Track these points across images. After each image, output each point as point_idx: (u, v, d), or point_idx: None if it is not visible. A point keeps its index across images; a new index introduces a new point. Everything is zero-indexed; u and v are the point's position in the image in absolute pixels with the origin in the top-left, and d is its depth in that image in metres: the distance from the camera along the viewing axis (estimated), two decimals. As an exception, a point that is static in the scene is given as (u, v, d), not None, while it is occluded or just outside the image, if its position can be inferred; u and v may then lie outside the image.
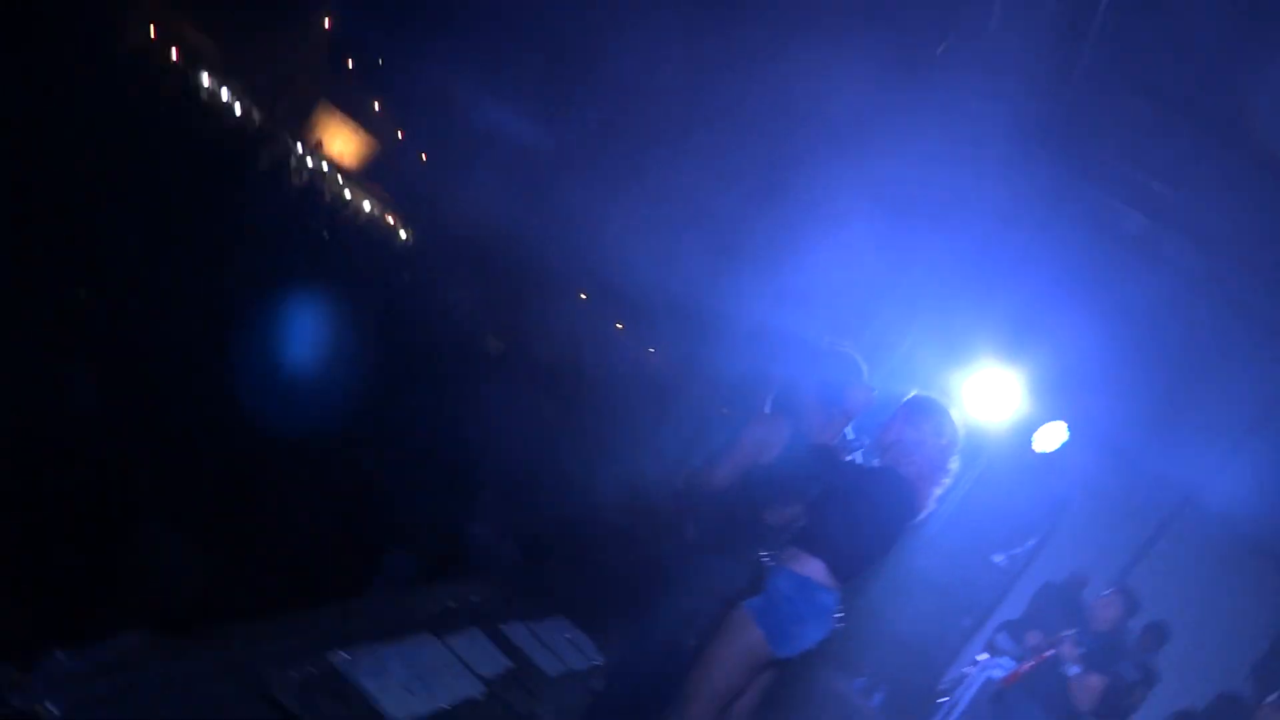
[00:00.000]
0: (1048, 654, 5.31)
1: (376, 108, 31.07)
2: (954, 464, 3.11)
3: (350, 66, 32.57)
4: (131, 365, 5.42)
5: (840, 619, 3.04)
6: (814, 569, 2.95)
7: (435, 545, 6.39)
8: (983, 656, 7.12)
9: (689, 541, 3.71)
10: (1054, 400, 7.42)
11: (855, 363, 3.60)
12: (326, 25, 26.73)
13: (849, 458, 3.41)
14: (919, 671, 7.46)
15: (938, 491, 3.09)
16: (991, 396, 7.01)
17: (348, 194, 25.54)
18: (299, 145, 24.29)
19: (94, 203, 6.12)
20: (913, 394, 3.14)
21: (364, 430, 7.98)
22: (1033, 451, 7.51)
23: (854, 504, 3.02)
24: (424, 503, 6.81)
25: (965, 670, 7.19)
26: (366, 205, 25.76)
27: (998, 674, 6.45)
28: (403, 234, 25.29)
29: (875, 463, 3.21)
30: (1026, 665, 5.45)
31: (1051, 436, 7.42)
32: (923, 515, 3.10)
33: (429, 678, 3.37)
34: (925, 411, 3.09)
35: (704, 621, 3.55)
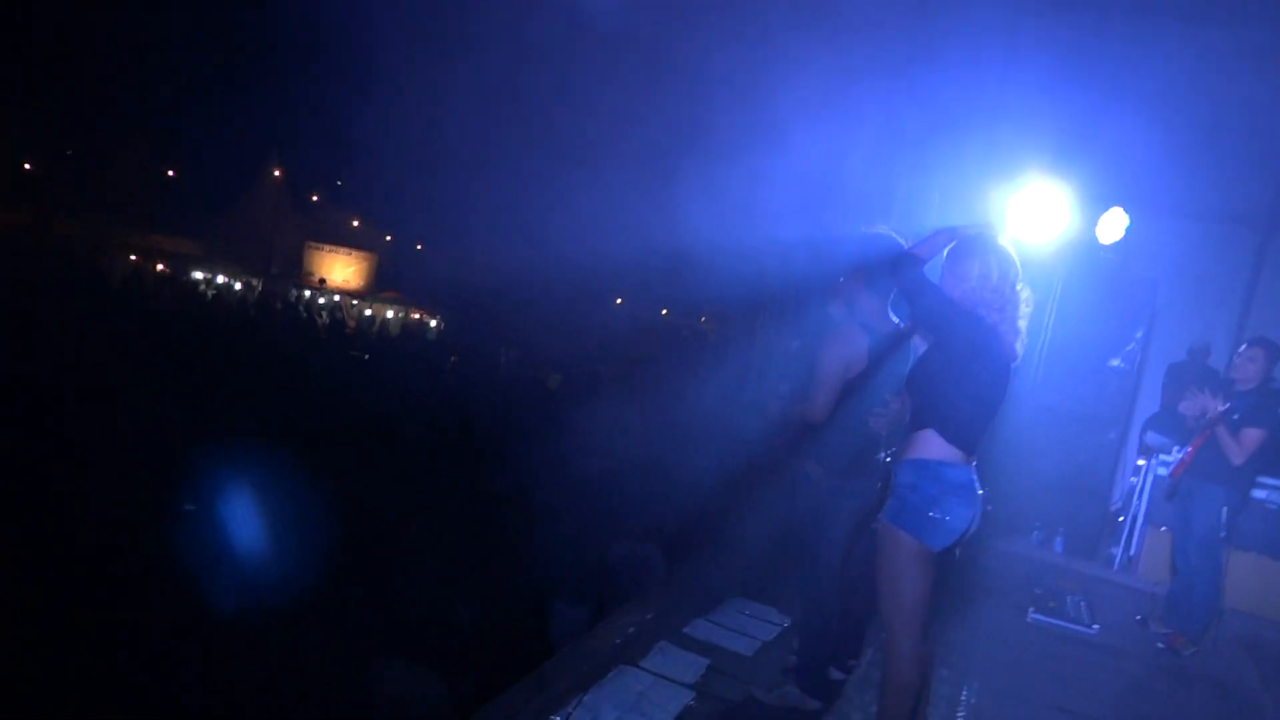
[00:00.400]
0: (1206, 427, 5.17)
1: (357, 224, 31.68)
2: (1024, 291, 3.02)
3: (316, 200, 33.28)
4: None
5: (985, 495, 2.99)
6: (928, 448, 2.92)
7: (590, 581, 6.51)
8: (1141, 461, 6.98)
9: (817, 478, 3.71)
10: (1106, 192, 7.29)
11: (890, 239, 3.59)
12: (278, 175, 27.27)
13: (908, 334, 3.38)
14: (1087, 503, 7.34)
15: (1022, 325, 3.01)
16: (1044, 210, 6.92)
17: (368, 312, 26.08)
18: (306, 292, 24.92)
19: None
20: (953, 243, 3.05)
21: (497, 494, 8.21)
22: (1104, 249, 7.37)
23: (943, 369, 2.94)
24: (565, 548, 6.94)
25: (1131, 481, 7.06)
26: (390, 314, 26.28)
27: (1163, 471, 6.32)
28: (433, 323, 25.74)
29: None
30: (1188, 451, 5.32)
31: (1114, 225, 7.27)
32: (1017, 353, 3.02)
33: (640, 705, 3.44)
34: (969, 253, 2.97)
35: (860, 546, 3.57)
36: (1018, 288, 2.98)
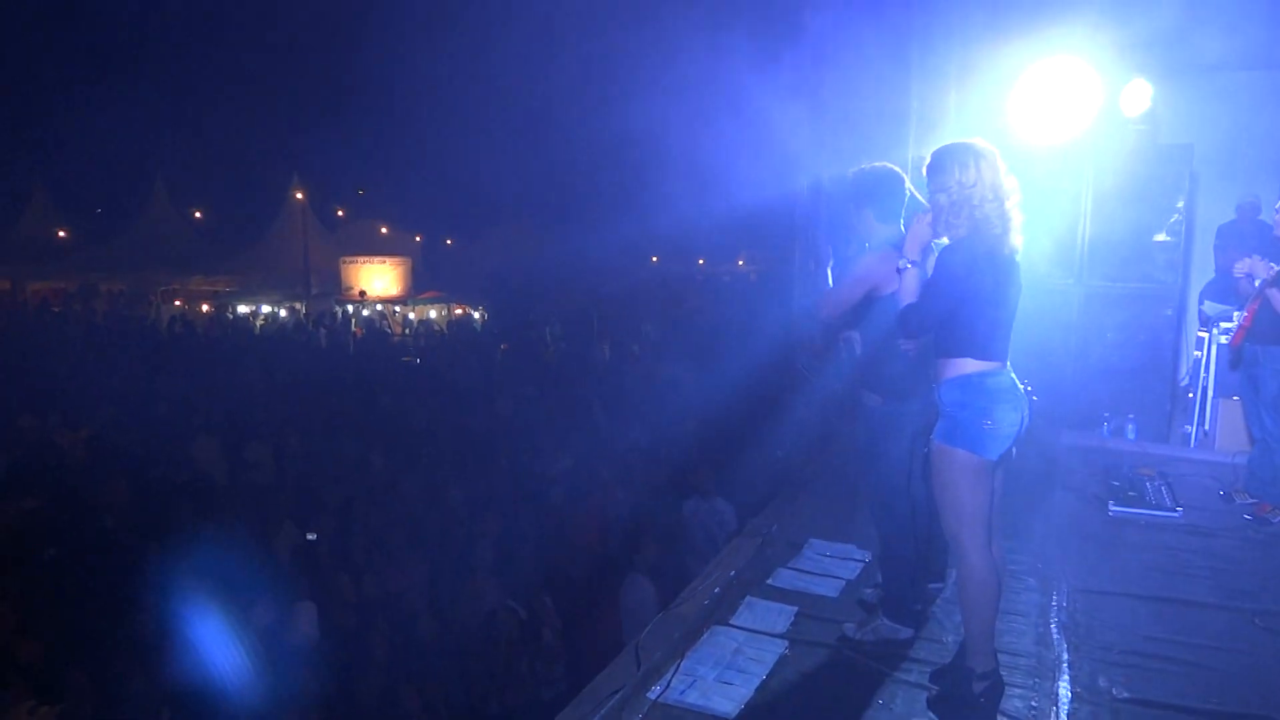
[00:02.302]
0: (1260, 291, 5.06)
1: (385, 231, 31.95)
2: (1010, 180, 2.96)
3: (341, 214, 33.61)
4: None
5: (1029, 390, 3.02)
6: (961, 364, 2.96)
7: (667, 546, 6.62)
8: (1202, 333, 6.86)
9: (874, 405, 3.74)
10: (1127, 60, 7.12)
11: (885, 174, 3.64)
12: (300, 197, 27.55)
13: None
14: (1154, 384, 7.24)
15: (1013, 219, 2.96)
16: (1065, 91, 6.80)
17: (411, 316, 26.39)
18: (349, 307, 25.26)
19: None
20: (925, 160, 3.05)
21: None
22: (1131, 123, 7.21)
23: (947, 288, 2.94)
24: (637, 515, 7.06)
25: (1195, 355, 6.94)
26: (433, 313, 26.57)
27: (1225, 340, 6.21)
28: (477, 315, 25.97)
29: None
30: (1245, 316, 5.21)
31: (1138, 96, 7.10)
32: (1017, 246, 3.00)
33: (736, 663, 3.51)
34: (944, 163, 2.95)
35: (925, 468, 3.60)
36: (1002, 177, 2.95)
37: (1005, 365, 2.99)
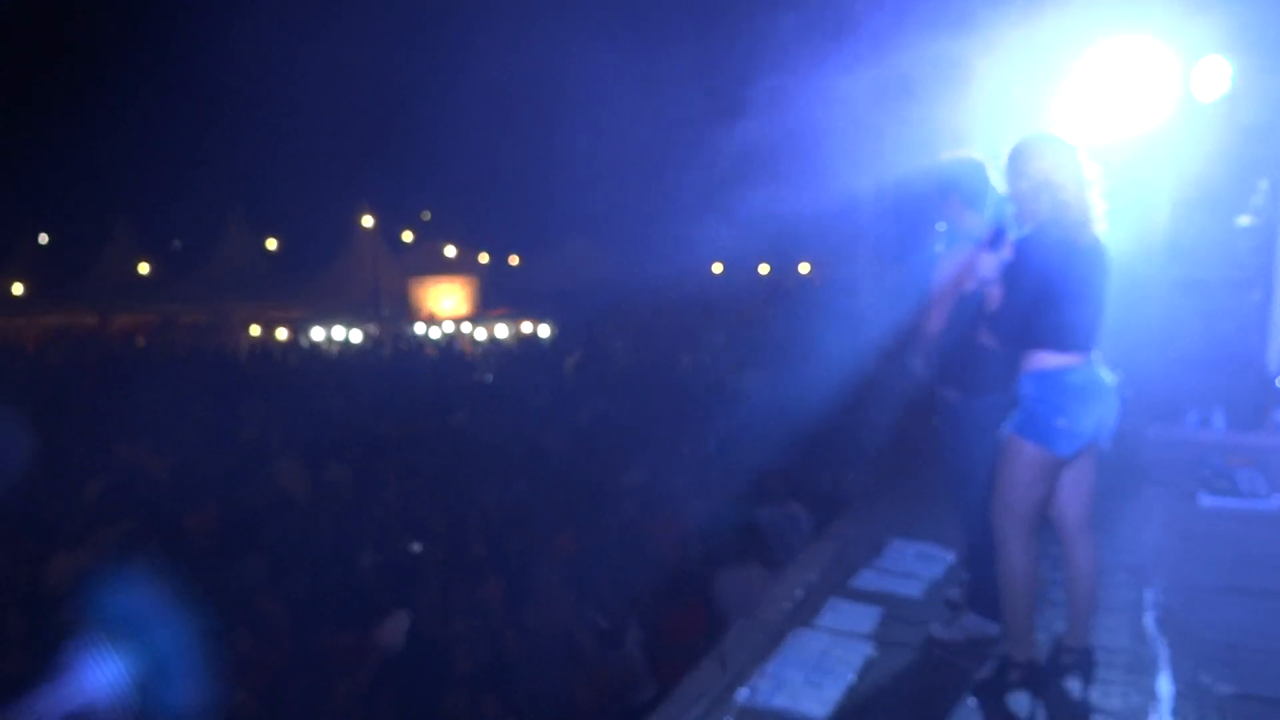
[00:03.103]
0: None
1: (452, 252, 32.50)
2: (1089, 171, 2.95)
3: (408, 238, 34.28)
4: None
5: (1120, 383, 2.95)
6: (1041, 358, 2.92)
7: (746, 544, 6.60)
8: (1293, 316, 6.62)
9: (956, 401, 3.70)
10: (1199, 42, 6.91)
11: (970, 163, 3.60)
12: (369, 224, 28.18)
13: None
14: (1242, 371, 7.01)
15: (1096, 209, 2.94)
16: (1137, 73, 6.61)
17: (481, 334, 26.76)
18: (420, 327, 25.74)
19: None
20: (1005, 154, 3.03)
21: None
22: (1210, 105, 7.00)
23: (1025, 280, 2.92)
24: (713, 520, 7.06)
25: (1285, 340, 6.71)
26: (501, 332, 26.91)
27: (1318, 321, 6.00)
28: (543, 333, 26.24)
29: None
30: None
31: (1215, 76, 6.88)
32: (1098, 238, 2.95)
33: (824, 665, 3.49)
34: (1025, 154, 2.96)
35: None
36: (1084, 167, 2.94)
37: (1089, 360, 2.94)
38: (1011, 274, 2.98)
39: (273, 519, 8.22)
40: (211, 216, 31.78)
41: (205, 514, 8.10)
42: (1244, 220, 7.06)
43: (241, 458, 10.62)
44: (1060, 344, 2.91)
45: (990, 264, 3.42)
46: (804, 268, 35.99)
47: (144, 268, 31.75)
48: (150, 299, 28.45)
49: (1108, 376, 2.97)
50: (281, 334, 26.81)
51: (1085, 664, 3.10)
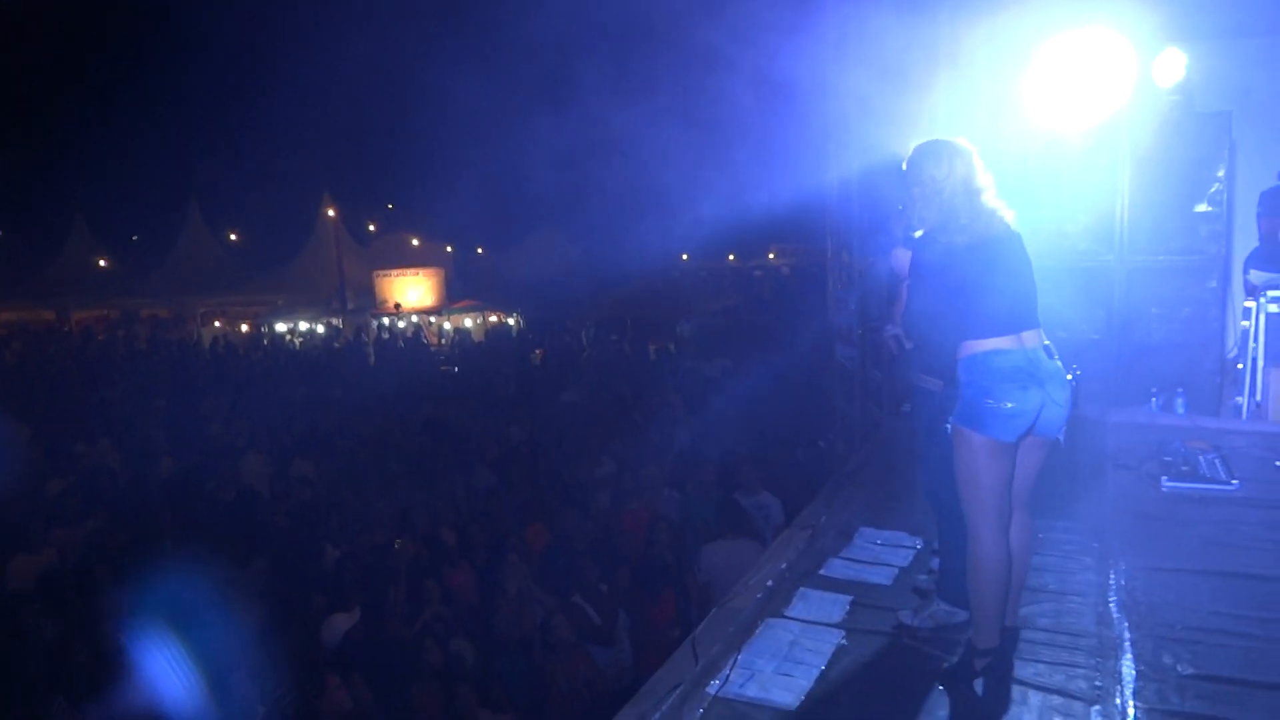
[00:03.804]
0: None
1: (417, 243, 32.24)
2: (982, 178, 3.03)
3: (373, 229, 33.97)
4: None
5: (1070, 367, 3.03)
6: (968, 345, 2.98)
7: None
8: (1249, 303, 6.74)
9: (934, 389, 3.72)
10: (1159, 29, 7.01)
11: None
12: (332, 214, 27.88)
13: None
14: (1201, 357, 7.13)
15: (985, 210, 3.01)
16: (1098, 62, 6.69)
17: (447, 325, 26.61)
18: (385, 320, 25.52)
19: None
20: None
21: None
22: (1166, 93, 7.10)
23: (924, 282, 3.08)
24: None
25: (1243, 325, 6.83)
26: (468, 322, 26.77)
27: (1274, 307, 6.11)
28: (512, 321, 26.14)
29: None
30: (1294, 281, 5.13)
31: (1172, 65, 6.98)
32: (1005, 230, 3.04)
33: (794, 654, 3.51)
34: (921, 160, 3.06)
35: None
36: (977, 174, 3.02)
37: (1019, 343, 2.96)
38: (913, 278, 3.13)
39: (238, 514, 8.15)
40: (171, 209, 31.31)
41: (171, 510, 8.02)
42: (1202, 208, 7.15)
43: (206, 454, 10.50)
44: (982, 331, 2.95)
45: (904, 261, 3.50)
46: (771, 256, 36.15)
47: (103, 263, 31.23)
48: (109, 293, 27.99)
49: (1048, 358, 3.00)
50: (244, 328, 26.51)
51: (1012, 643, 3.17)
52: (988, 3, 7.55)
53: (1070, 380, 3.06)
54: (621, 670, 5.86)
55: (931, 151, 3.05)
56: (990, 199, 3.03)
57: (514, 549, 7.00)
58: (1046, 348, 3.02)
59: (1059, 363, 3.04)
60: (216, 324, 26.47)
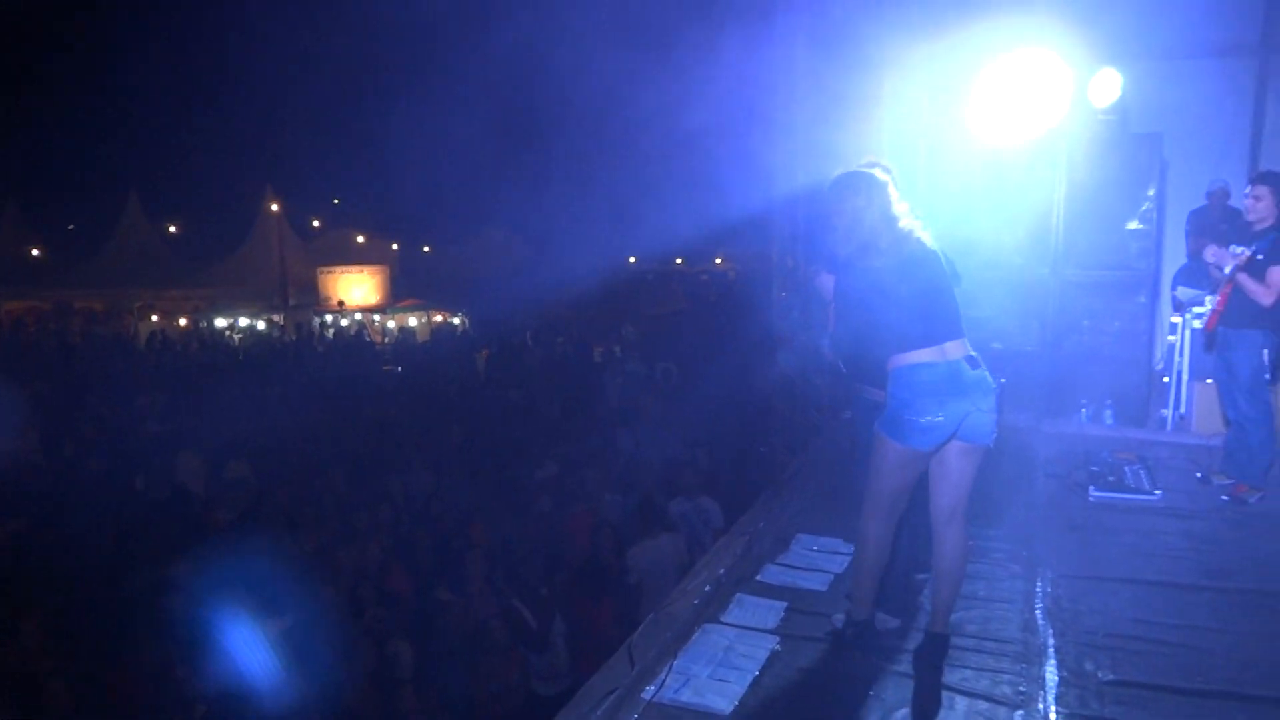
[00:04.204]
0: (1230, 276, 5.16)
1: (362, 240, 31.84)
2: (898, 208, 3.19)
3: (317, 225, 33.48)
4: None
5: (982, 377, 3.12)
6: (894, 359, 3.14)
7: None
8: (1176, 318, 6.96)
9: (880, 400, 3.78)
10: (1093, 50, 7.22)
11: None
12: (275, 208, 27.42)
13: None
14: (1130, 370, 7.35)
15: (906, 232, 3.16)
16: (1036, 83, 6.86)
17: (391, 324, 26.31)
18: (328, 318, 25.15)
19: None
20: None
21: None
22: (1101, 113, 7.29)
23: (845, 307, 3.37)
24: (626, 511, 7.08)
25: (1169, 340, 7.05)
26: (413, 321, 26.50)
27: (1199, 324, 6.31)
28: (457, 321, 25.92)
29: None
30: (1218, 300, 5.31)
31: (1107, 86, 7.18)
32: (922, 250, 3.16)
33: (729, 659, 3.55)
34: (839, 194, 3.22)
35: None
36: (893, 204, 3.19)
37: (942, 355, 3.08)
38: (838, 298, 3.36)
39: (172, 514, 7.98)
40: (109, 198, 30.52)
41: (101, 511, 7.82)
42: (1133, 225, 7.37)
43: (139, 451, 10.26)
44: (903, 346, 3.11)
45: (829, 285, 3.66)
46: (718, 261, 36.33)
47: (35, 252, 30.33)
48: (42, 284, 27.17)
49: (972, 367, 3.10)
50: (182, 322, 25.92)
51: (942, 649, 3.24)
52: (932, 22, 7.72)
53: (995, 388, 3.16)
54: (557, 675, 5.85)
55: (851, 183, 3.21)
56: (906, 222, 3.19)
57: (454, 549, 6.96)
58: (971, 358, 3.13)
59: (984, 371, 3.14)
60: (154, 318, 25.83)
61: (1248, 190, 5.25)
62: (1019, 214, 7.52)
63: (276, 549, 7.12)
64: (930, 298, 3.14)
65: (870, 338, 3.22)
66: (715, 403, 9.89)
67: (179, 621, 5.57)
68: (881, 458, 3.22)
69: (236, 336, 24.87)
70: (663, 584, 5.87)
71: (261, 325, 25.76)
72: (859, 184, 3.20)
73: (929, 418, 3.05)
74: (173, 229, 34.58)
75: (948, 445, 3.16)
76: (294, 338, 22.37)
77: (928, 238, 3.21)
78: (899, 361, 3.12)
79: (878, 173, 3.25)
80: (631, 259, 33.37)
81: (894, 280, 3.11)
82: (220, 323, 25.93)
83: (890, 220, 3.15)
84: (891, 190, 3.21)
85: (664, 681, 3.39)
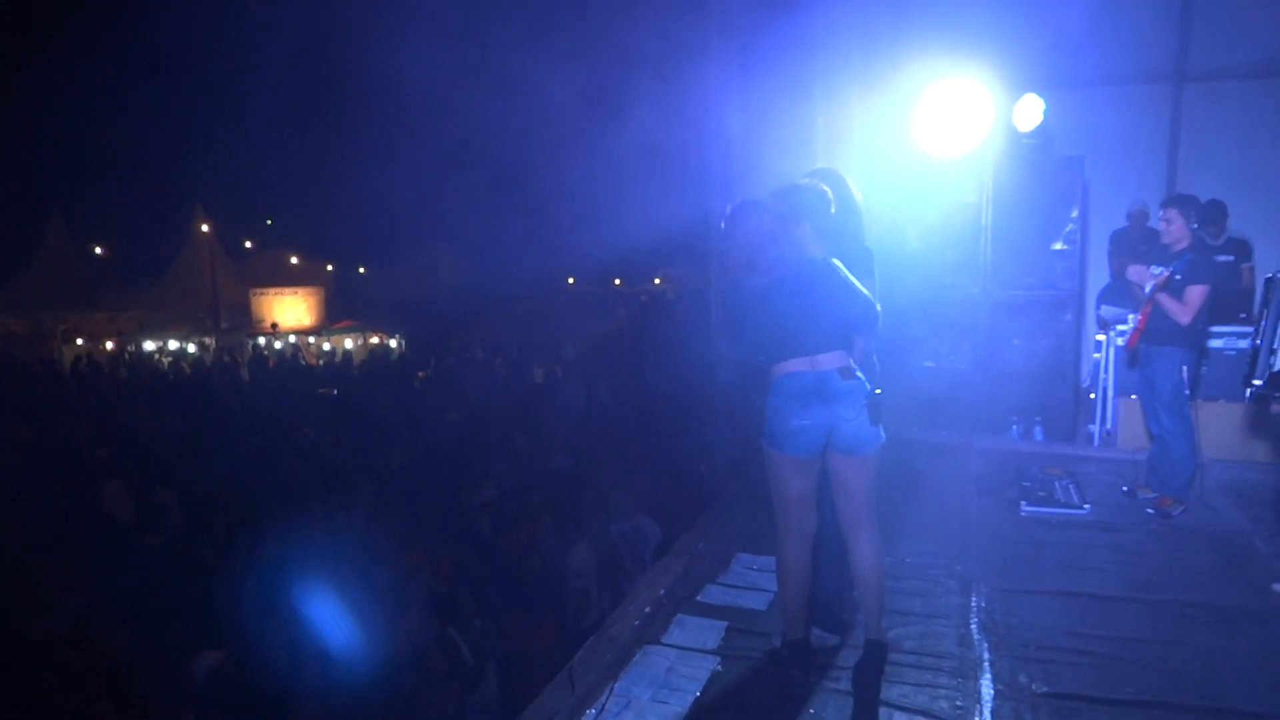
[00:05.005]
0: (1150, 295, 5.33)
1: (296, 261, 31.33)
2: (778, 230, 3.36)
3: (249, 246, 32.87)
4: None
5: (856, 385, 3.27)
6: (775, 368, 3.34)
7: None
8: (1101, 336, 7.16)
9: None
10: (1017, 77, 7.45)
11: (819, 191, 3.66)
12: (206, 229, 26.87)
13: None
14: (1058, 387, 7.54)
15: (792, 245, 3.38)
16: (962, 110, 7.07)
17: (326, 346, 25.89)
18: (260, 340, 24.66)
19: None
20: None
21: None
22: (1025, 137, 7.51)
23: (733, 321, 3.52)
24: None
25: (1094, 358, 7.25)
26: (349, 343, 26.11)
27: (1121, 341, 6.51)
28: (394, 343, 25.61)
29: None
30: (1139, 318, 5.48)
31: (1030, 111, 7.40)
32: (801, 271, 3.34)
33: (669, 681, 3.54)
34: (734, 222, 3.39)
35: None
36: (775, 227, 3.37)
37: (812, 365, 3.28)
38: (732, 314, 3.53)
39: (97, 543, 7.71)
40: (32, 216, 29.60)
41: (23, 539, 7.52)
42: (1058, 245, 7.58)
43: (63, 478, 9.91)
44: (775, 357, 3.34)
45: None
46: (657, 281, 36.46)
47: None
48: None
49: (844, 378, 3.26)
50: (109, 346, 25.19)
51: (879, 658, 3.31)
52: (862, 53, 7.92)
53: (865, 400, 3.28)
54: (487, 706, 5.77)
55: (744, 211, 3.39)
56: (795, 242, 3.39)
57: (390, 574, 6.84)
58: (845, 369, 3.28)
59: (862, 385, 3.28)
60: (79, 341, 25.06)
61: (1160, 213, 5.44)
62: (949, 236, 7.70)
63: (210, 578, 6.96)
64: (807, 313, 3.30)
65: (760, 350, 3.41)
66: (655, 422, 9.90)
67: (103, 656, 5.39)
68: (773, 470, 3.41)
69: (166, 360, 24.25)
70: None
71: (192, 349, 25.17)
72: (752, 211, 3.39)
73: (796, 421, 3.25)
74: (99, 250, 33.64)
75: (833, 458, 3.35)
76: (227, 359, 21.87)
77: (818, 252, 3.39)
78: (775, 372, 3.34)
79: (821, 185, 3.49)
80: (570, 280, 33.37)
81: (773, 296, 3.31)
82: (149, 346, 25.26)
83: (777, 242, 3.33)
84: (771, 219, 3.37)
85: (605, 705, 3.37)
